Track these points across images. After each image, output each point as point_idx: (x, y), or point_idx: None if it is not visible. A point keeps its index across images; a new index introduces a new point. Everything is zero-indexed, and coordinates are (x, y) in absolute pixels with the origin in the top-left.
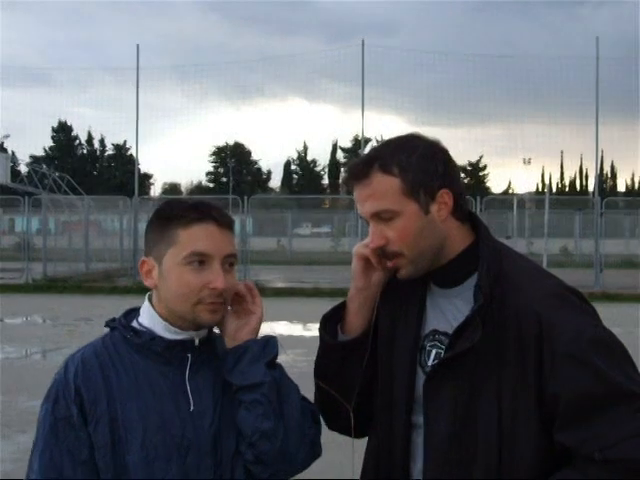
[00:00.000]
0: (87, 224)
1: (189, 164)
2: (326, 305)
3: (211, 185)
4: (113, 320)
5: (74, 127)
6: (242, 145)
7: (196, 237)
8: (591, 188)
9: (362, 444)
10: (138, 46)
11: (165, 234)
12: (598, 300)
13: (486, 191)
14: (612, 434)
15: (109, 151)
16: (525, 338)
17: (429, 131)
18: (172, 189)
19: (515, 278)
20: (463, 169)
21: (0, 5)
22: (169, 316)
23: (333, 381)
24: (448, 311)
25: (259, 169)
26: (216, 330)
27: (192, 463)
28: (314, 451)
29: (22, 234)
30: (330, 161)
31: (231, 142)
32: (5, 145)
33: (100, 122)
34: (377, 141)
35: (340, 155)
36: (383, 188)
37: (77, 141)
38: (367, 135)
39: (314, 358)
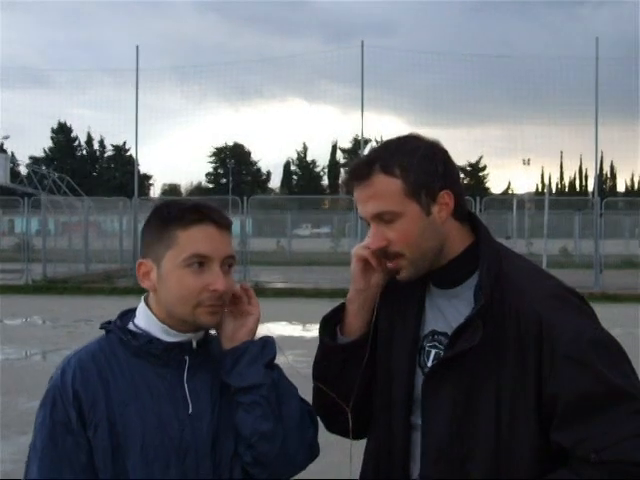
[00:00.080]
0: (87, 225)
1: (189, 165)
2: (326, 306)
3: (211, 186)
4: (109, 323)
5: (74, 128)
6: (241, 146)
7: (196, 239)
8: (591, 188)
9: (361, 445)
10: (138, 47)
11: (164, 236)
12: (598, 301)
13: (486, 192)
14: (609, 435)
15: (109, 152)
16: (525, 339)
17: (428, 132)
18: (172, 190)
19: (515, 279)
20: (463, 169)
21: (0, 6)
22: (167, 318)
23: (332, 383)
24: (447, 311)
25: (259, 170)
26: (212, 331)
27: (191, 466)
28: (312, 452)
29: (22, 235)
30: (330, 162)
31: (230, 143)
32: (5, 146)
33: (100, 123)
34: (376, 142)
35: (340, 156)
36: (385, 189)
37: (77, 142)
38: (366, 136)
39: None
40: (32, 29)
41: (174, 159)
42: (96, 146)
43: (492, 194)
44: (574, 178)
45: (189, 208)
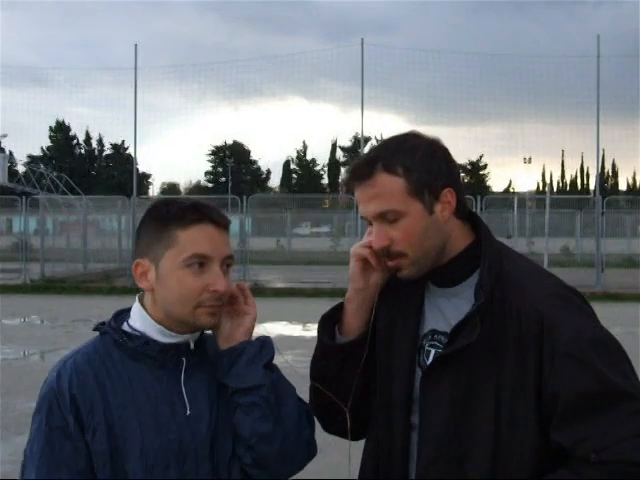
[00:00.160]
0: (85, 224)
1: (188, 164)
2: (326, 305)
3: (210, 185)
4: (103, 324)
5: (72, 127)
6: (241, 144)
7: (196, 239)
8: (592, 187)
9: (359, 446)
10: (136, 46)
11: (163, 235)
12: (599, 300)
13: (486, 190)
14: (609, 435)
15: (107, 151)
16: (525, 338)
17: (429, 130)
18: (170, 189)
19: (516, 278)
20: (463, 168)
21: (0, 5)
22: (164, 319)
23: (330, 383)
24: (447, 310)
25: (258, 168)
26: (206, 330)
27: (190, 468)
28: (310, 451)
29: (20, 234)
30: (329, 160)
31: (230, 141)
32: (2, 145)
33: (98, 122)
34: (377, 140)
35: (340, 154)
36: (388, 188)
37: (75, 141)
38: (366, 134)
39: None
40: (31, 28)
41: (173, 158)
42: (95, 145)
43: (493, 193)
44: (575, 176)
45: (189, 207)
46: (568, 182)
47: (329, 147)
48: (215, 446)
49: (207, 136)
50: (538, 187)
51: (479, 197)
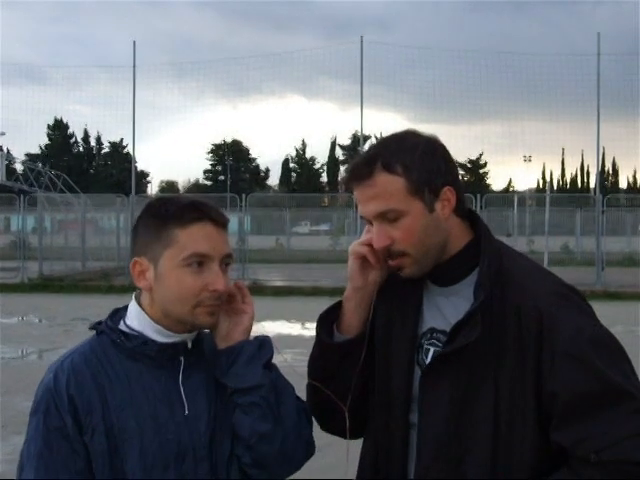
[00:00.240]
0: (83, 222)
1: (186, 162)
2: (325, 304)
3: (209, 183)
4: (99, 323)
5: (70, 125)
6: (240, 143)
7: (195, 238)
8: (592, 185)
9: (358, 445)
10: (135, 43)
11: (161, 234)
12: (599, 298)
13: (486, 188)
14: (609, 435)
15: (106, 149)
16: (525, 337)
17: (429, 128)
18: (169, 187)
19: (516, 276)
20: (463, 166)
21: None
22: (162, 319)
23: (329, 381)
24: (446, 309)
25: (257, 167)
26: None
27: (189, 468)
28: (309, 450)
29: (18, 233)
30: (329, 158)
31: (229, 140)
32: (0, 143)
33: (96, 120)
34: (376, 138)
35: (339, 152)
36: (388, 188)
37: (73, 139)
38: (366, 132)
39: None
40: (29, 26)
41: (172, 156)
42: (93, 143)
43: (493, 191)
44: (575, 175)
45: (187, 206)
46: (568, 180)
47: (328, 145)
48: (213, 446)
49: (206, 134)
50: (538, 185)
51: (479, 195)
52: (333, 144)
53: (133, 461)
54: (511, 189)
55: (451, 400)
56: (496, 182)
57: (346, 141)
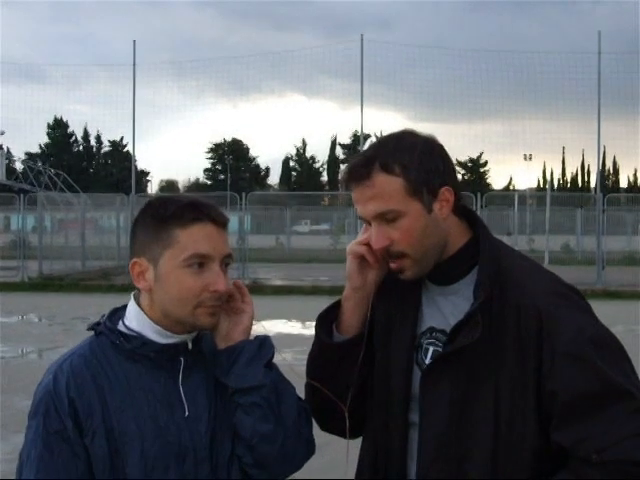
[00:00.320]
0: (83, 222)
1: (186, 161)
2: (325, 303)
3: (209, 182)
4: (98, 324)
5: (70, 123)
6: (240, 142)
7: (196, 238)
8: (593, 184)
9: (356, 444)
10: (135, 42)
11: (161, 234)
12: (599, 297)
13: (487, 187)
14: (609, 435)
15: (105, 148)
16: (525, 336)
17: (429, 127)
18: (169, 186)
19: (515, 275)
20: (463, 165)
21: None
22: (162, 319)
23: (328, 381)
24: (445, 308)
25: (257, 166)
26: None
27: (189, 469)
28: (309, 449)
29: (18, 232)
30: (329, 158)
31: (229, 139)
32: (0, 142)
33: (96, 118)
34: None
35: (339, 151)
36: (386, 188)
37: (73, 138)
38: (366, 131)
39: None
40: (29, 26)
41: (172, 155)
42: (93, 142)
43: (493, 190)
44: (576, 174)
45: (187, 206)
46: (569, 179)
47: (328, 144)
48: (214, 446)
49: (206, 133)
50: (539, 184)
51: (479, 194)
52: (333, 143)
53: (134, 463)
54: (511, 188)
55: (451, 400)
56: (496, 181)
57: (346, 140)
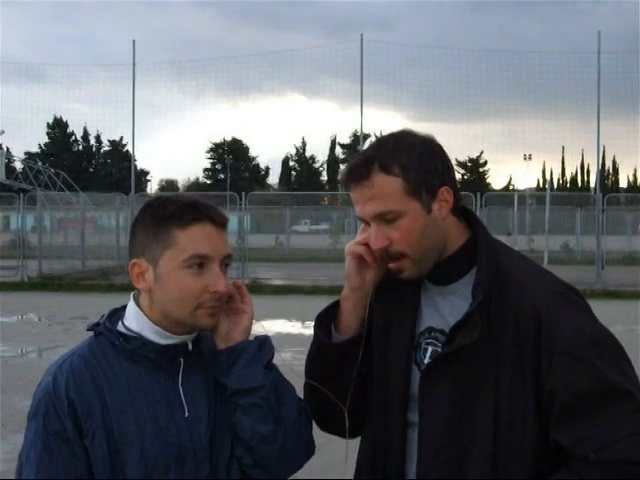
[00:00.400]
0: (83, 221)
1: (186, 161)
2: (324, 302)
3: (208, 182)
4: (97, 324)
5: (70, 123)
6: (240, 141)
7: (195, 239)
8: (593, 184)
9: (356, 444)
10: (134, 42)
11: (161, 235)
12: (599, 297)
13: (486, 187)
14: (608, 434)
15: (105, 147)
16: (523, 336)
17: (428, 127)
18: (169, 186)
19: (514, 275)
20: (463, 165)
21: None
22: (162, 320)
23: (327, 381)
24: (444, 308)
25: (257, 165)
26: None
27: (189, 470)
28: (309, 450)
29: (17, 231)
30: (329, 157)
31: (228, 138)
32: (0, 141)
33: (96, 118)
34: (376, 136)
35: (339, 151)
36: (386, 189)
37: (73, 137)
38: (366, 131)
39: None
40: (29, 25)
41: (171, 155)
42: (92, 141)
43: (493, 190)
44: (576, 174)
45: (187, 206)
46: (568, 179)
47: (328, 144)
48: (214, 447)
49: (205, 133)
50: (538, 184)
51: (479, 194)
52: (333, 143)
53: (134, 464)
54: (511, 188)
55: (451, 400)
56: (496, 181)
57: (346, 140)
